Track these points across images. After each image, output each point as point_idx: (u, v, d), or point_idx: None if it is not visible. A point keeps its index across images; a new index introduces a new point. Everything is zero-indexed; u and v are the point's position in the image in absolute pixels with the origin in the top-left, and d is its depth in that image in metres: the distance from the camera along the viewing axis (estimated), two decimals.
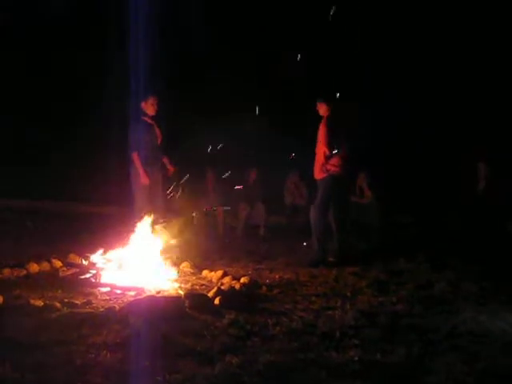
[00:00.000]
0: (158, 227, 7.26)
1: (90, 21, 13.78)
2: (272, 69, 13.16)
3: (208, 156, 11.04)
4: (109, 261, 6.83)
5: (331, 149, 7.79)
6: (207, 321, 5.02)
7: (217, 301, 5.53)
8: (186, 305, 5.34)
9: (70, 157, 13.53)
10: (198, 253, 8.12)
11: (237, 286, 6.17)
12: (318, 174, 7.97)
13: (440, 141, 12.56)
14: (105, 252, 7.01)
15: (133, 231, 7.13)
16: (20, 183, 12.57)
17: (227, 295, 5.72)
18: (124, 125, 8.62)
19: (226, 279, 6.61)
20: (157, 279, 6.48)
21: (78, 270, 6.82)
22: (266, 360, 4.08)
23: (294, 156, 9.42)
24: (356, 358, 4.16)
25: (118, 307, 5.36)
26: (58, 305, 5.27)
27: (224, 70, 13.41)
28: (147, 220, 7.24)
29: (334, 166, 7.83)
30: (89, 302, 5.59)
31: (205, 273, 7.15)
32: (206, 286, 6.59)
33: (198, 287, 6.55)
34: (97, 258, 6.91)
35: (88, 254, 7.04)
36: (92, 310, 5.29)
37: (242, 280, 6.44)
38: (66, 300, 5.53)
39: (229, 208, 10.99)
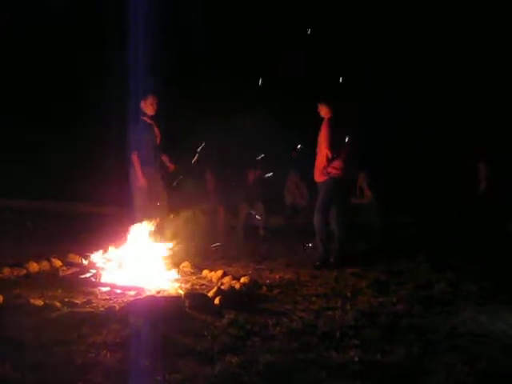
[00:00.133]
0: (158, 227, 7.24)
1: (89, 21, 13.78)
2: (272, 69, 13.16)
3: (208, 156, 11.05)
4: (109, 260, 6.82)
5: (333, 151, 7.77)
6: (207, 321, 5.02)
7: (217, 301, 5.52)
8: (186, 304, 5.34)
9: (70, 157, 13.53)
10: (197, 252, 8.12)
11: (237, 286, 6.17)
12: (319, 177, 7.95)
13: (440, 141, 12.56)
14: (105, 251, 7.00)
15: (133, 231, 7.12)
16: (20, 183, 12.57)
17: (227, 295, 5.72)
18: (124, 125, 8.61)
19: (226, 279, 6.61)
20: (157, 279, 6.48)
21: (77, 269, 6.82)
22: (266, 360, 4.08)
23: (298, 149, 9.39)
24: (356, 359, 4.16)
25: (118, 307, 5.36)
26: (57, 304, 5.27)
27: (224, 70, 13.41)
28: (147, 220, 7.24)
29: (335, 168, 7.81)
30: (89, 302, 5.60)
31: (205, 273, 7.15)
32: (206, 285, 6.60)
33: (198, 287, 6.55)
34: (97, 257, 6.90)
35: (88, 254, 7.04)
36: (92, 310, 5.29)
37: (242, 280, 6.44)
38: (66, 299, 5.54)
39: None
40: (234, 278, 6.58)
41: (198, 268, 7.39)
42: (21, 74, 14.06)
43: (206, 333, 4.67)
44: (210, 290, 5.98)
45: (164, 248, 7.11)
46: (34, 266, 6.96)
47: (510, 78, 12.21)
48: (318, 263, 7.71)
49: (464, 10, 12.75)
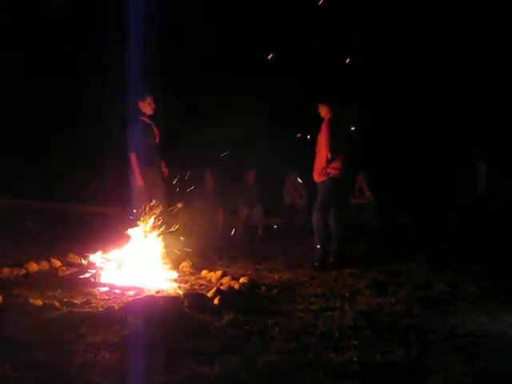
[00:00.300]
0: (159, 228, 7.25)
1: (89, 21, 13.78)
2: (272, 69, 13.17)
3: (207, 157, 11.08)
4: (108, 260, 6.83)
5: (333, 152, 7.77)
6: (206, 321, 5.01)
7: (216, 301, 5.53)
8: (185, 305, 5.33)
9: (70, 157, 13.52)
10: (197, 252, 8.12)
11: (236, 286, 6.19)
12: (318, 177, 7.96)
13: (439, 142, 12.57)
14: (104, 252, 7.01)
15: (132, 231, 7.12)
16: (20, 183, 12.57)
17: (226, 295, 5.72)
18: (123, 125, 8.62)
19: (226, 279, 6.62)
20: (156, 279, 6.48)
21: (77, 269, 6.83)
22: (265, 360, 4.08)
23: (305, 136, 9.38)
24: (355, 359, 4.16)
25: (117, 307, 5.36)
26: (57, 304, 5.26)
27: (223, 71, 13.42)
28: (146, 220, 7.24)
29: (334, 169, 7.81)
30: (88, 302, 5.60)
31: (204, 273, 7.16)
32: (206, 285, 6.61)
33: (197, 287, 6.56)
34: (96, 257, 6.90)
35: (87, 254, 7.04)
36: (91, 310, 5.29)
37: (242, 280, 6.45)
38: (65, 299, 5.54)
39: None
40: (233, 278, 6.60)
41: (197, 268, 7.41)
42: (21, 73, 14.06)
43: (205, 333, 4.68)
44: (209, 290, 5.98)
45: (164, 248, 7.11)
46: (33, 266, 6.97)
47: (510, 78, 12.21)
48: (316, 263, 7.72)
49: (463, 10, 12.75)
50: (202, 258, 8.09)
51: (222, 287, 6.12)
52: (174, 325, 4.80)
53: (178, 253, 7.35)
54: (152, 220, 7.29)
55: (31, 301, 5.32)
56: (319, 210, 7.90)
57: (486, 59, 12.76)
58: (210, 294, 5.75)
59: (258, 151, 11.96)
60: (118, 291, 6.10)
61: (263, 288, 6.42)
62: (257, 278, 6.89)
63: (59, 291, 6.02)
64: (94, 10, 13.59)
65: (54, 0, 12.98)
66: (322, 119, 8.03)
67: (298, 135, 9.20)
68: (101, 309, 5.34)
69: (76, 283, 6.41)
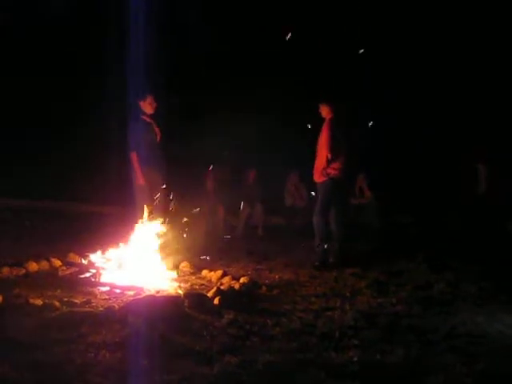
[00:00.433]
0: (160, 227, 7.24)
1: (90, 21, 13.78)
2: (273, 68, 13.17)
3: (208, 156, 11.07)
4: (108, 260, 6.82)
5: (333, 153, 7.77)
6: (206, 321, 5.02)
7: (216, 301, 5.53)
8: (186, 304, 5.33)
9: (70, 156, 13.53)
10: (197, 252, 8.11)
11: (236, 286, 6.18)
12: (319, 178, 7.95)
13: (440, 141, 12.56)
14: (104, 251, 7.00)
15: (133, 231, 7.12)
16: (20, 183, 12.57)
17: (227, 295, 5.72)
18: (124, 124, 8.62)
19: (226, 279, 6.61)
20: (156, 279, 6.48)
21: (77, 269, 6.82)
22: (265, 360, 4.08)
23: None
24: (355, 359, 4.17)
25: (117, 306, 5.35)
26: (57, 304, 5.26)
27: (224, 69, 13.42)
28: (147, 219, 7.24)
29: (334, 169, 7.81)
30: (88, 302, 5.60)
31: (204, 272, 7.16)
32: (206, 285, 6.60)
33: (197, 287, 6.55)
34: (96, 257, 6.90)
35: (87, 254, 7.03)
36: (91, 310, 5.28)
37: (242, 280, 6.45)
38: (65, 299, 5.54)
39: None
40: (234, 278, 6.59)
41: (197, 268, 7.40)
42: (21, 73, 14.06)
43: (205, 333, 4.68)
44: (209, 290, 5.98)
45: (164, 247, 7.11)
46: (33, 266, 6.96)
47: (510, 78, 12.21)
48: (317, 263, 7.71)
49: (464, 10, 12.75)
50: (203, 257, 8.09)
51: (222, 287, 6.12)
52: (174, 324, 4.81)
53: (179, 252, 7.35)
54: (152, 219, 7.29)
55: (31, 300, 5.31)
56: (319, 210, 7.89)
57: (487, 59, 12.76)
58: (210, 294, 5.75)
59: (258, 151, 11.95)
60: (118, 291, 6.10)
61: (263, 288, 6.41)
62: (257, 278, 6.89)
63: (59, 291, 6.02)
64: (94, 9, 13.59)
65: (53, 0, 12.99)
66: (323, 119, 8.02)
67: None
68: (101, 308, 5.34)
69: (76, 283, 6.40)
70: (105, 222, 10.08)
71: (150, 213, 7.39)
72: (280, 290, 6.40)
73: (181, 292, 5.98)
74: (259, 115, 11.73)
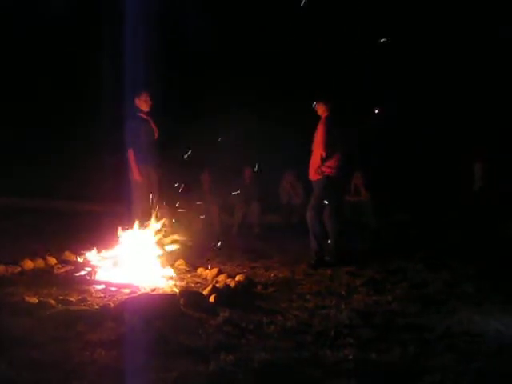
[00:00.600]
0: (154, 225, 7.22)
1: (89, 21, 13.77)
2: (272, 68, 13.18)
3: (205, 156, 11.07)
4: (104, 258, 6.81)
5: (327, 151, 7.76)
6: (202, 319, 5.02)
7: (212, 299, 5.53)
8: (181, 302, 5.33)
9: (68, 155, 13.53)
10: (193, 251, 8.10)
11: (232, 284, 6.18)
12: (314, 175, 7.94)
13: (440, 141, 12.57)
14: (100, 250, 6.99)
15: (129, 229, 7.11)
16: (19, 182, 12.57)
17: (222, 293, 5.72)
18: (120, 122, 8.62)
19: (221, 277, 6.61)
20: (152, 277, 6.47)
21: (72, 267, 6.80)
22: (260, 358, 4.08)
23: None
24: (350, 357, 4.16)
25: (112, 305, 5.35)
26: (52, 302, 5.27)
27: (224, 69, 13.42)
28: (143, 218, 7.23)
29: (329, 167, 7.80)
30: (84, 300, 5.60)
31: (200, 271, 7.16)
32: (201, 283, 6.60)
33: (193, 285, 6.56)
34: (92, 255, 6.89)
35: (83, 252, 7.02)
36: (87, 308, 5.29)
37: (237, 278, 6.45)
38: (60, 297, 5.55)
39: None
40: (229, 276, 6.59)
41: (193, 266, 7.40)
42: (21, 73, 14.06)
43: (200, 331, 4.67)
44: (204, 288, 5.99)
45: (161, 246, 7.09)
46: (28, 264, 6.95)
47: (510, 78, 12.21)
48: (312, 262, 7.71)
49: (464, 9, 12.75)
50: (198, 255, 8.08)
51: (217, 285, 6.11)
52: (169, 323, 4.81)
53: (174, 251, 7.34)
54: (148, 218, 7.29)
55: (27, 298, 5.32)
56: (314, 207, 7.88)
57: (487, 59, 12.76)
58: (205, 292, 5.76)
59: (255, 149, 11.95)
60: (113, 289, 6.10)
61: (259, 286, 6.42)
62: (253, 276, 6.88)
63: (55, 289, 6.01)
64: (94, 10, 13.59)
65: (53, 0, 12.99)
66: (319, 117, 8.02)
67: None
68: (96, 306, 5.35)
69: (71, 281, 6.39)
70: (101, 220, 10.05)
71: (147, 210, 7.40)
72: (275, 288, 6.40)
73: (176, 290, 5.99)
74: (257, 114, 11.74)
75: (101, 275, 6.50)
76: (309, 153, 8.02)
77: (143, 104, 8.48)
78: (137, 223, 7.14)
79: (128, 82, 9.35)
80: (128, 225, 7.22)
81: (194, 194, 10.86)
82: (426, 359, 4.20)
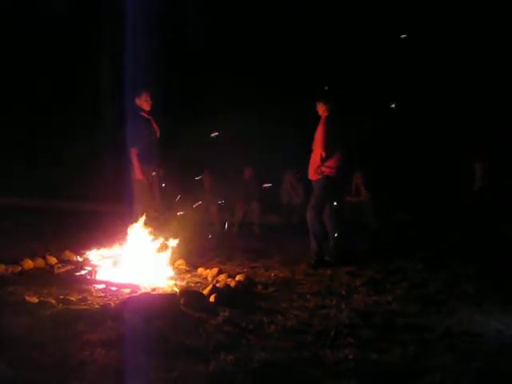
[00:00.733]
0: (156, 224, 7.23)
1: (89, 21, 13.78)
2: (272, 68, 13.19)
3: (205, 156, 11.07)
4: (104, 258, 6.81)
5: (327, 151, 7.75)
6: (202, 318, 5.02)
7: (212, 298, 5.53)
8: (181, 302, 5.34)
9: (68, 155, 13.54)
10: (193, 250, 8.11)
11: (232, 284, 6.18)
12: (313, 175, 7.93)
13: (440, 141, 12.56)
14: (100, 249, 6.99)
15: (129, 228, 7.11)
16: (19, 182, 12.57)
17: (222, 293, 5.72)
18: (121, 122, 8.63)
19: (222, 277, 6.61)
20: (152, 276, 6.47)
21: (73, 266, 6.81)
22: (260, 358, 4.08)
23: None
24: (351, 357, 4.17)
25: (113, 304, 5.37)
26: (53, 301, 5.27)
27: (224, 69, 13.43)
28: (145, 217, 7.23)
29: (328, 167, 7.79)
30: (84, 299, 5.60)
31: (200, 270, 7.15)
32: (202, 283, 6.60)
33: (193, 285, 6.55)
34: (92, 254, 6.89)
35: (83, 251, 7.03)
36: (87, 307, 5.30)
37: (238, 278, 6.45)
38: (61, 297, 5.55)
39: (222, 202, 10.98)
40: (230, 276, 6.59)
41: (193, 266, 7.40)
42: (21, 73, 14.07)
43: (200, 330, 4.67)
44: (205, 288, 5.99)
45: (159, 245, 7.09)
46: (28, 264, 6.95)
47: (510, 78, 12.22)
48: (312, 261, 7.70)
49: (464, 10, 12.75)
50: (198, 255, 8.08)
51: (218, 285, 6.12)
52: (169, 322, 4.81)
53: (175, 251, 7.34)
54: (149, 217, 7.30)
55: (27, 298, 5.33)
56: (314, 207, 7.87)
57: (487, 59, 12.76)
58: (205, 292, 5.76)
59: (255, 149, 11.94)
60: (114, 288, 6.11)
61: (259, 286, 6.42)
62: (253, 276, 6.88)
63: (55, 288, 6.01)
64: (94, 10, 13.60)
65: (53, 0, 13.00)
66: (319, 117, 8.02)
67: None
68: (97, 306, 5.36)
69: (72, 280, 6.39)
70: (101, 219, 10.06)
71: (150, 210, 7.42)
72: (276, 287, 6.40)
73: (176, 290, 5.99)
74: (258, 114, 11.74)
75: (101, 275, 6.50)
76: (309, 152, 8.02)
77: (144, 104, 8.48)
78: (138, 223, 7.14)
79: (128, 82, 9.37)
80: (129, 224, 7.21)
81: (194, 194, 10.85)
82: (426, 359, 4.21)
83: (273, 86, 13.05)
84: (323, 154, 7.74)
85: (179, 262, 7.37)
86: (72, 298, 5.54)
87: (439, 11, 12.87)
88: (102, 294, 5.90)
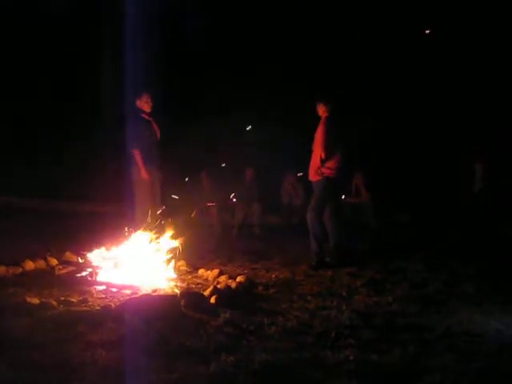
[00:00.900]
0: (156, 225, 7.23)
1: (89, 21, 13.79)
2: (272, 68, 13.19)
3: (205, 156, 11.08)
4: (105, 259, 6.81)
5: (327, 152, 7.75)
6: (203, 320, 5.02)
7: (213, 300, 5.53)
8: (182, 303, 5.33)
9: (68, 155, 13.55)
10: (194, 251, 8.10)
11: (233, 285, 6.18)
12: (313, 176, 7.93)
13: (440, 141, 12.57)
14: (101, 250, 6.99)
15: (130, 229, 7.11)
16: (19, 182, 12.57)
17: (223, 294, 5.72)
18: (121, 122, 8.63)
19: (222, 278, 6.61)
20: (153, 278, 6.47)
21: (74, 268, 6.81)
22: (261, 359, 4.08)
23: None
24: (351, 358, 4.17)
25: (113, 306, 5.36)
26: (53, 303, 5.27)
27: (224, 69, 13.43)
28: (146, 218, 7.24)
29: (329, 169, 7.79)
30: (85, 301, 5.60)
31: (201, 272, 7.15)
32: (202, 284, 6.60)
33: (193, 286, 6.55)
34: (93, 256, 6.89)
35: (84, 252, 7.03)
36: (88, 309, 5.30)
37: (238, 279, 6.45)
38: (62, 298, 5.55)
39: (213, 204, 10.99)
40: (230, 277, 6.59)
41: (193, 267, 7.40)
42: (21, 73, 14.07)
43: (201, 332, 4.67)
44: (205, 289, 5.99)
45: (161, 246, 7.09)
46: (30, 265, 6.96)
47: (510, 78, 12.22)
48: (313, 263, 7.70)
49: (464, 10, 12.76)
50: (199, 256, 8.09)
51: (218, 286, 6.12)
52: (170, 324, 4.81)
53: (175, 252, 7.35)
54: (150, 219, 7.30)
55: (28, 299, 5.32)
56: (314, 208, 7.86)
57: (487, 59, 12.77)
58: (206, 293, 5.76)
59: (256, 150, 11.95)
60: (114, 290, 6.11)
61: (260, 287, 6.42)
62: (254, 277, 6.89)
63: (56, 290, 6.02)
64: (94, 9, 13.61)
65: (53, 0, 13.01)
66: (319, 118, 8.02)
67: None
68: (98, 307, 5.35)
69: (73, 282, 6.39)
70: (102, 220, 10.06)
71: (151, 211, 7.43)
72: (276, 289, 6.40)
73: (177, 291, 5.99)
74: (258, 115, 11.74)
75: (102, 276, 6.50)
76: (309, 153, 8.02)
77: (145, 105, 8.49)
78: (139, 224, 7.14)
79: (128, 82, 9.37)
80: (130, 225, 7.22)
81: (194, 195, 10.86)
82: (426, 359, 4.21)
83: (273, 86, 13.05)
84: (323, 155, 7.73)
85: (180, 263, 7.37)
86: (73, 300, 5.54)
87: (439, 11, 12.87)
88: (103, 296, 5.90)
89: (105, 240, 7.29)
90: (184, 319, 5.01)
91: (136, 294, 5.86)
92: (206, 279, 6.85)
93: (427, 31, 9.51)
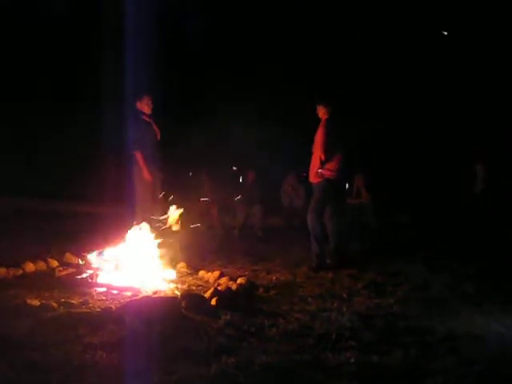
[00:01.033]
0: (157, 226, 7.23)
1: (89, 21, 13.79)
2: (272, 68, 13.19)
3: (205, 157, 11.07)
4: (105, 261, 6.80)
5: (327, 154, 7.74)
6: (203, 321, 5.01)
7: (213, 301, 5.52)
8: (183, 305, 5.33)
9: (68, 156, 13.55)
10: (194, 253, 8.11)
11: (233, 287, 6.17)
12: (314, 178, 7.92)
13: (440, 141, 12.58)
14: (101, 252, 6.98)
15: (130, 231, 7.10)
16: (19, 182, 12.57)
17: (224, 296, 5.71)
18: (121, 122, 8.63)
19: (223, 280, 6.60)
20: (153, 279, 6.47)
21: (74, 269, 6.81)
22: (262, 361, 4.08)
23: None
24: (352, 360, 4.16)
25: (114, 307, 5.35)
26: (54, 304, 5.27)
27: (224, 69, 13.43)
28: (146, 220, 7.23)
29: (329, 170, 7.77)
30: (85, 302, 5.59)
31: (201, 273, 7.14)
32: (203, 286, 6.58)
33: (194, 288, 6.54)
34: (93, 257, 6.88)
35: (84, 254, 7.02)
36: (88, 310, 5.29)
37: (239, 281, 6.43)
38: (62, 300, 5.54)
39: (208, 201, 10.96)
40: (231, 279, 6.58)
41: (194, 269, 7.38)
42: (21, 73, 14.07)
43: (202, 334, 4.67)
44: (206, 291, 5.97)
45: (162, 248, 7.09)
46: (30, 267, 6.95)
47: (510, 78, 12.22)
48: (314, 264, 7.69)
49: (464, 10, 12.76)
50: (200, 258, 8.08)
51: (219, 288, 6.11)
52: (171, 325, 4.80)
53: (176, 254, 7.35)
54: (150, 220, 7.30)
55: (28, 301, 5.32)
56: (314, 210, 7.85)
57: (487, 59, 12.77)
58: (207, 295, 5.74)
59: (257, 151, 11.96)
60: (115, 292, 6.09)
61: (261, 289, 6.41)
62: (254, 279, 6.87)
63: (56, 291, 6.01)
64: (94, 9, 13.61)
65: (53, 0, 13.01)
66: (319, 120, 8.01)
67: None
68: (98, 309, 5.34)
69: (73, 283, 6.38)
70: (102, 222, 10.05)
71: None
72: (277, 290, 6.39)
73: (178, 293, 5.99)
74: (259, 116, 11.75)
75: (102, 278, 6.49)
76: (309, 154, 8.01)
77: (145, 107, 8.49)
78: (139, 225, 7.13)
79: (128, 82, 9.36)
80: (130, 226, 7.21)
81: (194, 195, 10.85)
82: (428, 362, 4.20)
83: (273, 86, 13.06)
84: (323, 157, 7.72)
85: (181, 264, 7.36)
86: (73, 301, 5.53)
87: (439, 11, 12.88)
88: (103, 297, 5.89)
89: (105, 241, 7.29)
90: (184, 321, 5.00)
91: (136, 295, 5.85)
92: (207, 281, 6.84)
93: (445, 32, 9.51)
